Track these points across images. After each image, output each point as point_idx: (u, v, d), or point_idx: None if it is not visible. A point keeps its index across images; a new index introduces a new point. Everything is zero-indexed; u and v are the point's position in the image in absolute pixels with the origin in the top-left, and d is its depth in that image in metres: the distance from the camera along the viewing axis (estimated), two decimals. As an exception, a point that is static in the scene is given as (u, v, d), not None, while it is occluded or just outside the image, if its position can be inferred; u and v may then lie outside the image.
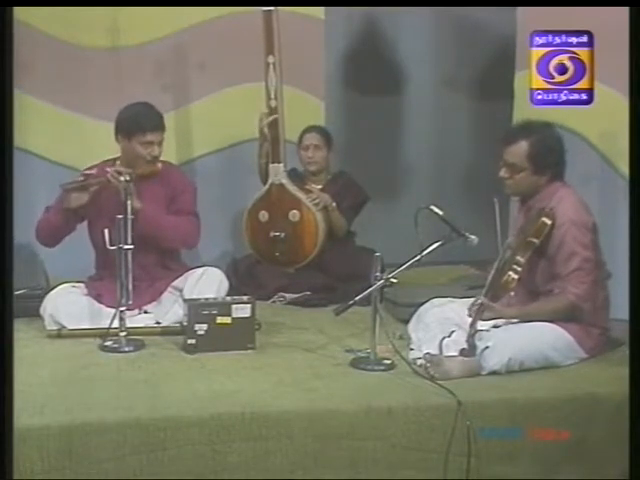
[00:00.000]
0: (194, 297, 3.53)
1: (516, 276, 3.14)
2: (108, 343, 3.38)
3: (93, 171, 3.69)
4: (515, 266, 3.15)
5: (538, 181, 3.29)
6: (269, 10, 4.28)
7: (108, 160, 3.78)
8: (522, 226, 3.36)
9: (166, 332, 3.58)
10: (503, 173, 3.31)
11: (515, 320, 3.22)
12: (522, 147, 3.25)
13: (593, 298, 3.22)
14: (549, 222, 3.19)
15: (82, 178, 3.66)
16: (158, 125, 3.72)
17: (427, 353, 3.12)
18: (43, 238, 3.81)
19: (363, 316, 3.31)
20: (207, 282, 3.69)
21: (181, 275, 3.74)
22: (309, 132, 4.53)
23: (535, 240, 3.19)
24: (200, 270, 3.75)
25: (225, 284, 3.75)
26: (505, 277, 3.15)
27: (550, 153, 3.28)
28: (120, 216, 3.33)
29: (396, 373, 3.10)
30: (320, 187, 4.54)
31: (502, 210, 3.34)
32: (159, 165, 3.74)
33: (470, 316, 3.15)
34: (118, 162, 3.74)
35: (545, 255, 3.24)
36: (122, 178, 3.48)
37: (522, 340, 3.10)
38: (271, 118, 4.36)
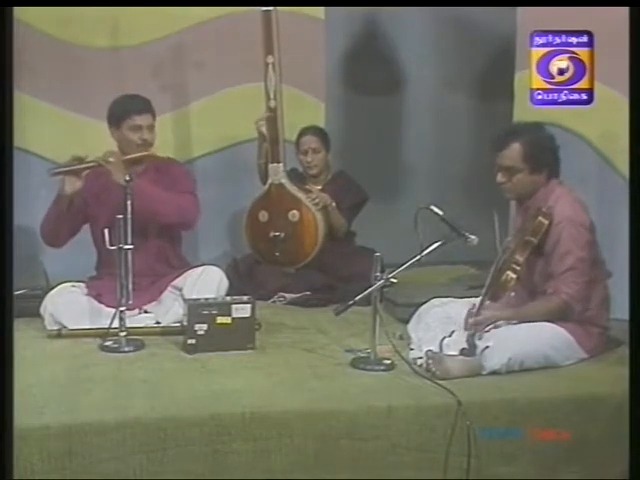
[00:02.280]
0: (194, 296, 3.53)
1: (514, 275, 3.15)
2: (108, 343, 3.38)
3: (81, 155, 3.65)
4: (514, 265, 3.16)
5: (536, 180, 3.29)
6: (268, 10, 4.28)
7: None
8: (520, 226, 3.37)
9: (166, 332, 3.58)
10: (500, 178, 3.31)
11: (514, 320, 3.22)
12: (516, 149, 3.25)
13: (586, 299, 3.22)
14: (546, 221, 3.20)
15: (69, 161, 3.62)
16: (144, 108, 3.74)
17: (429, 350, 3.12)
18: (46, 235, 3.80)
19: (363, 316, 3.31)
20: (207, 281, 3.69)
21: (181, 274, 3.74)
22: (305, 135, 4.52)
23: (533, 239, 3.19)
24: (199, 269, 3.75)
25: (225, 282, 3.75)
26: (504, 277, 3.15)
27: (544, 151, 3.29)
28: (120, 216, 3.33)
29: (396, 373, 3.10)
30: (320, 187, 4.54)
31: (501, 220, 3.34)
32: (152, 150, 3.73)
33: (467, 329, 3.15)
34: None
35: (543, 254, 3.25)
36: (125, 178, 3.48)
37: (522, 340, 3.10)
38: (265, 115, 4.35)
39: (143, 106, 3.75)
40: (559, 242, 3.19)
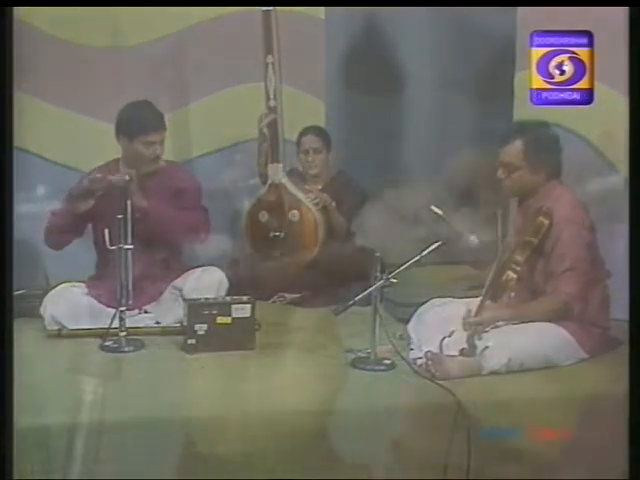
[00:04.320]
0: (194, 297, 3.53)
1: (515, 275, 3.15)
2: (108, 343, 3.38)
3: (99, 175, 3.67)
4: (514, 265, 3.16)
5: (535, 180, 3.30)
6: (268, 10, 4.28)
7: (111, 161, 3.79)
8: (521, 226, 3.37)
9: (166, 332, 3.58)
10: (500, 174, 3.32)
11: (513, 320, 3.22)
12: (517, 146, 3.27)
13: (586, 298, 3.22)
14: (547, 221, 3.20)
15: (88, 183, 3.63)
16: (160, 125, 3.73)
17: (428, 351, 3.12)
18: (52, 242, 3.80)
19: (363, 316, 3.31)
20: (207, 281, 3.70)
21: (181, 275, 3.74)
22: (306, 135, 4.52)
23: (533, 239, 3.19)
24: (199, 269, 3.75)
25: (225, 283, 3.75)
26: (504, 277, 3.15)
27: (545, 151, 3.30)
28: (120, 216, 3.33)
29: (396, 373, 3.10)
30: (320, 187, 4.54)
31: (504, 219, 3.35)
32: (161, 163, 3.74)
33: (466, 330, 3.14)
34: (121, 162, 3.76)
35: (543, 254, 3.25)
36: (126, 177, 3.50)
37: (522, 340, 3.10)
38: (269, 118, 4.35)
39: (158, 122, 3.72)
40: (558, 242, 3.19)
